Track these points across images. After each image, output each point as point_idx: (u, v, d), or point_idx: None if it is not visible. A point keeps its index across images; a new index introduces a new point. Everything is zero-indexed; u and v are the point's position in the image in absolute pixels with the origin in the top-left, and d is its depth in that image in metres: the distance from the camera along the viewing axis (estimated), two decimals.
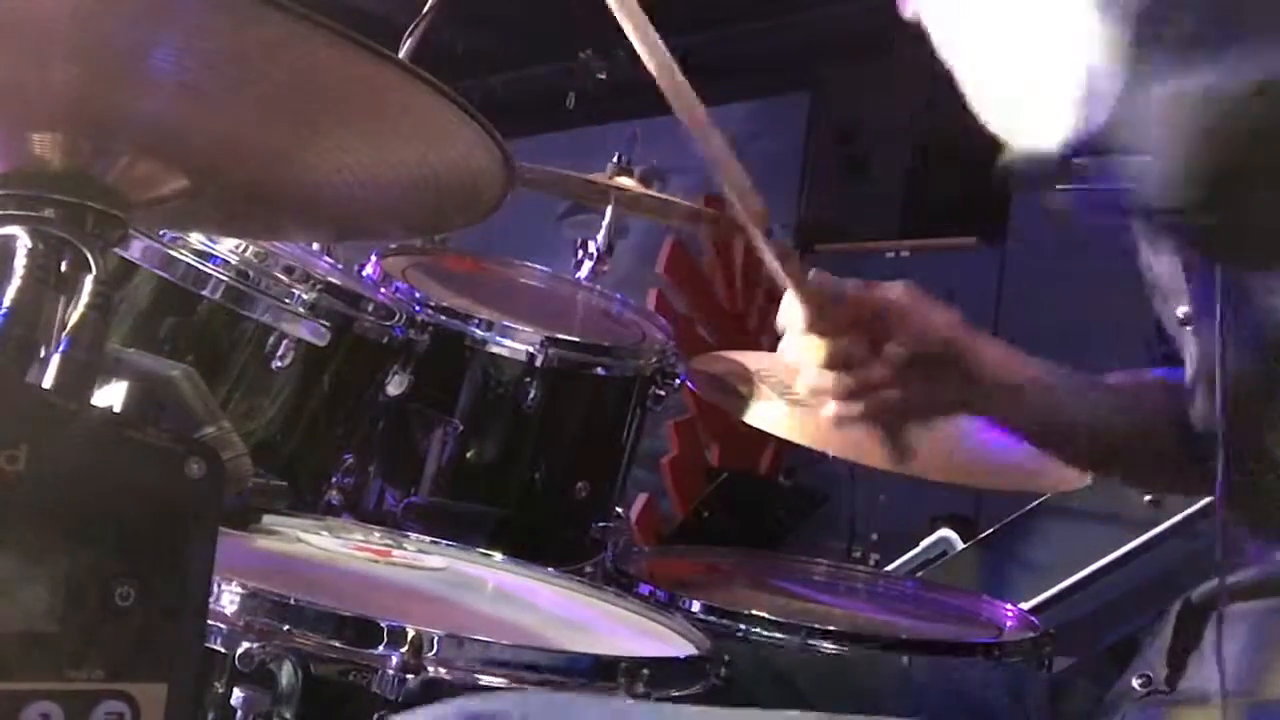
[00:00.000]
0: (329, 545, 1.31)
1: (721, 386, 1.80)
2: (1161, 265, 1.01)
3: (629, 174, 2.27)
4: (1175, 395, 1.09)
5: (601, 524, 1.90)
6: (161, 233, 1.46)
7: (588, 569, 1.73)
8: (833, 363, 1.12)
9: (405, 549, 1.36)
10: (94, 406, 0.72)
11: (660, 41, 0.97)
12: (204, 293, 1.50)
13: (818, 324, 1.11)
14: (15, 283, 0.74)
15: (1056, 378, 1.18)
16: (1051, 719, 1.03)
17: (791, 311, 1.13)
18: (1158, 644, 0.92)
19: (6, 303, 0.73)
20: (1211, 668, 0.86)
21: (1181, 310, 0.97)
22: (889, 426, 1.15)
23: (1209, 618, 0.89)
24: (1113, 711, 0.92)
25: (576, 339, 1.83)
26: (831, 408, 1.14)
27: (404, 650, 0.93)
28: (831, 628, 1.43)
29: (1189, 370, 1.01)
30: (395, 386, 1.67)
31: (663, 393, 1.92)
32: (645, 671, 0.99)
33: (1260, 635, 0.86)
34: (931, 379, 1.13)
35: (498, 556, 1.40)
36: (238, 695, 0.90)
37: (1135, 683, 0.91)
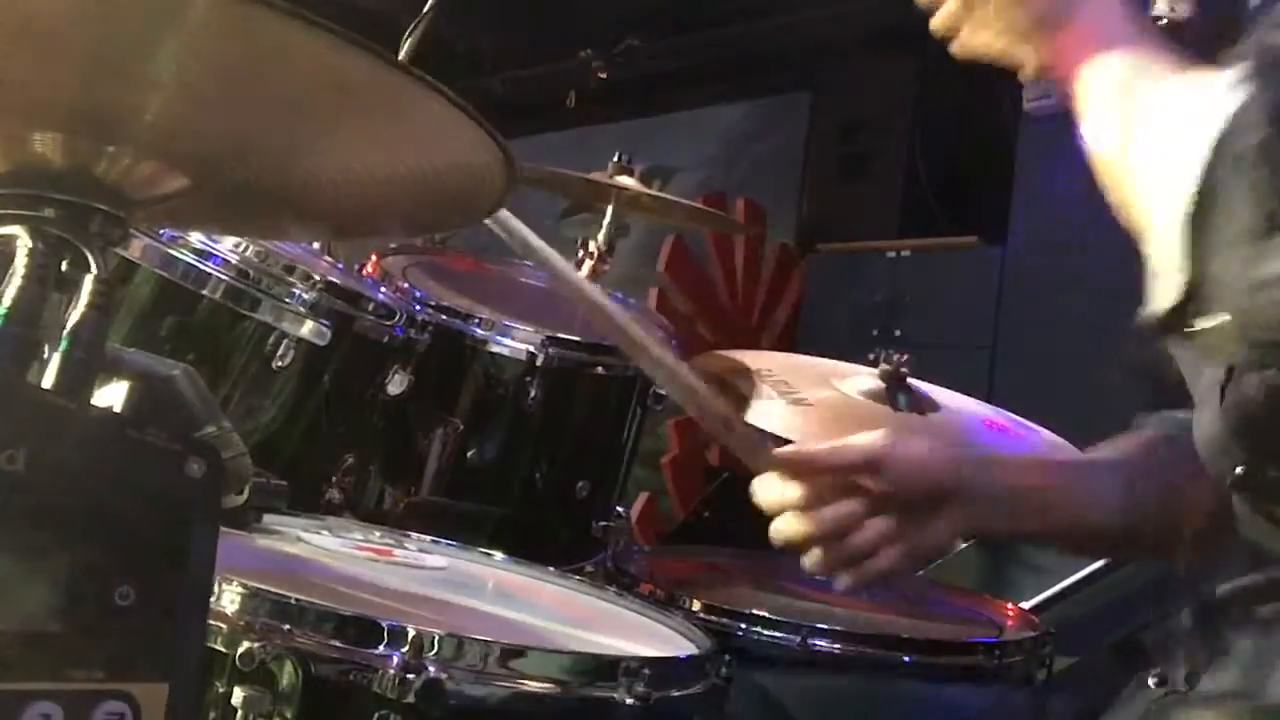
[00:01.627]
0: (329, 545, 1.31)
1: (721, 386, 1.80)
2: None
3: (629, 174, 2.27)
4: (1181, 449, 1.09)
5: (602, 523, 1.90)
6: (162, 232, 1.46)
7: (588, 568, 1.73)
8: (826, 533, 1.10)
9: (405, 549, 1.36)
10: (94, 406, 0.72)
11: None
12: (204, 292, 1.50)
13: (808, 499, 1.09)
14: (15, 282, 0.74)
15: (1075, 476, 1.16)
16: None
17: (773, 491, 1.10)
18: (1175, 645, 0.92)
19: (6, 303, 0.73)
20: (1231, 669, 0.86)
21: None
22: (902, 573, 1.13)
23: (1227, 619, 0.88)
24: (1127, 711, 0.92)
25: (577, 338, 1.83)
26: (843, 578, 1.12)
27: (404, 650, 0.93)
28: (832, 627, 1.42)
29: (1205, 382, 0.99)
30: (395, 386, 1.67)
31: (663, 393, 1.92)
32: (645, 671, 0.99)
33: (1275, 637, 0.86)
34: (933, 517, 1.10)
35: (498, 556, 1.40)
36: (238, 695, 0.90)
37: (1151, 682, 0.91)
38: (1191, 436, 1.11)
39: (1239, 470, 0.91)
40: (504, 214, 0.99)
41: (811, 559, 1.11)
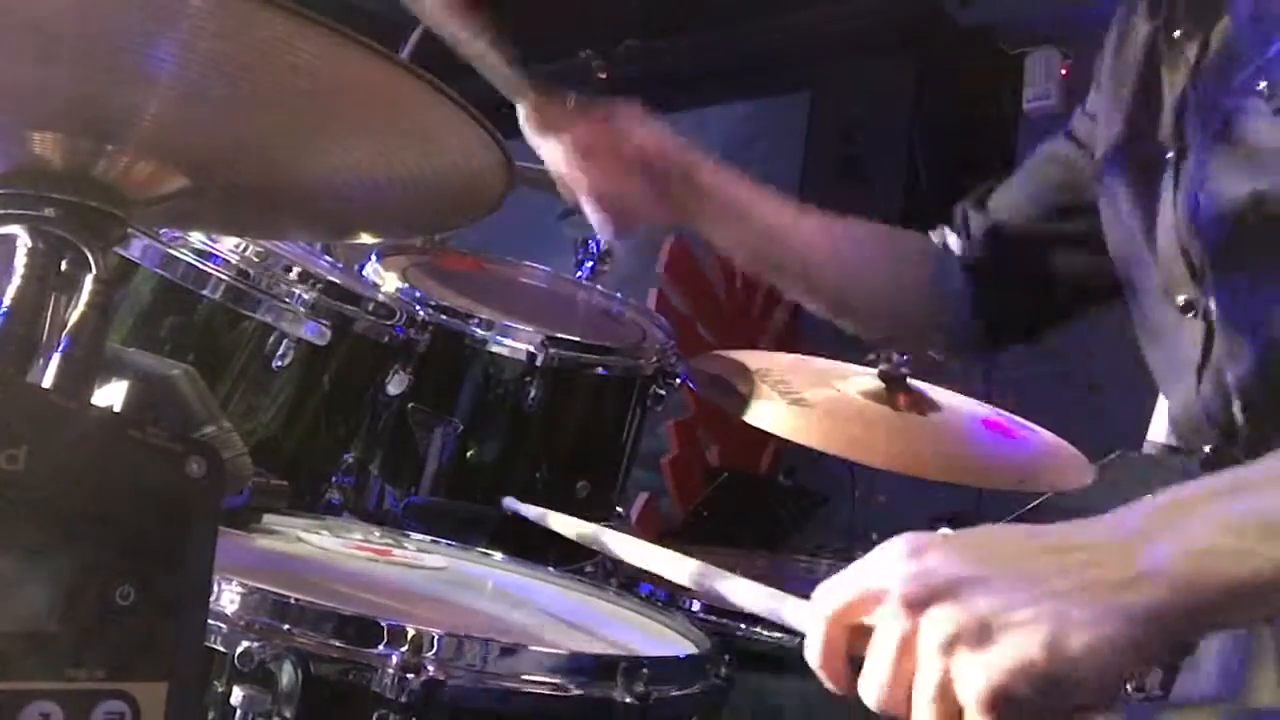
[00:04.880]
0: (329, 545, 1.31)
1: (721, 386, 1.80)
2: (1160, 253, 1.00)
3: None
4: (935, 261, 1.29)
5: (602, 523, 1.90)
6: (162, 232, 1.46)
7: (588, 568, 1.73)
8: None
9: (405, 548, 1.36)
10: (94, 406, 0.72)
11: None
12: (204, 292, 1.50)
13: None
14: (15, 282, 0.74)
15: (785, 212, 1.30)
16: None
17: None
18: None
19: (6, 302, 0.74)
20: (1204, 674, 0.86)
21: (1182, 298, 0.97)
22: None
23: None
24: (1104, 717, 0.92)
25: (577, 338, 1.83)
26: None
27: (404, 650, 0.93)
28: None
29: (1178, 355, 0.99)
30: (395, 386, 1.67)
31: (663, 392, 1.92)
32: (645, 671, 0.99)
33: (1251, 643, 0.86)
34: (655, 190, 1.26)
35: (498, 556, 1.40)
36: (238, 695, 0.90)
37: (1128, 687, 0.91)
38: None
39: (1208, 449, 0.92)
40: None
41: None
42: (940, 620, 0.64)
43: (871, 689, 0.67)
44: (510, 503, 1.29)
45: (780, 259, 1.34)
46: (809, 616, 0.73)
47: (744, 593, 0.86)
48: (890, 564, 0.68)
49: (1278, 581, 0.63)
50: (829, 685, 0.70)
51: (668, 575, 0.98)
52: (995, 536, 0.69)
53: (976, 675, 0.62)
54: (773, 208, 1.32)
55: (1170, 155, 0.96)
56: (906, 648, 0.65)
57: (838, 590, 0.71)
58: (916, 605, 0.65)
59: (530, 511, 1.27)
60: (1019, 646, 0.62)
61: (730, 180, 1.30)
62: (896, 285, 1.30)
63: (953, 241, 1.34)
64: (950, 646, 0.63)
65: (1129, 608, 0.62)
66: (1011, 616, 0.63)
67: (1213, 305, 0.93)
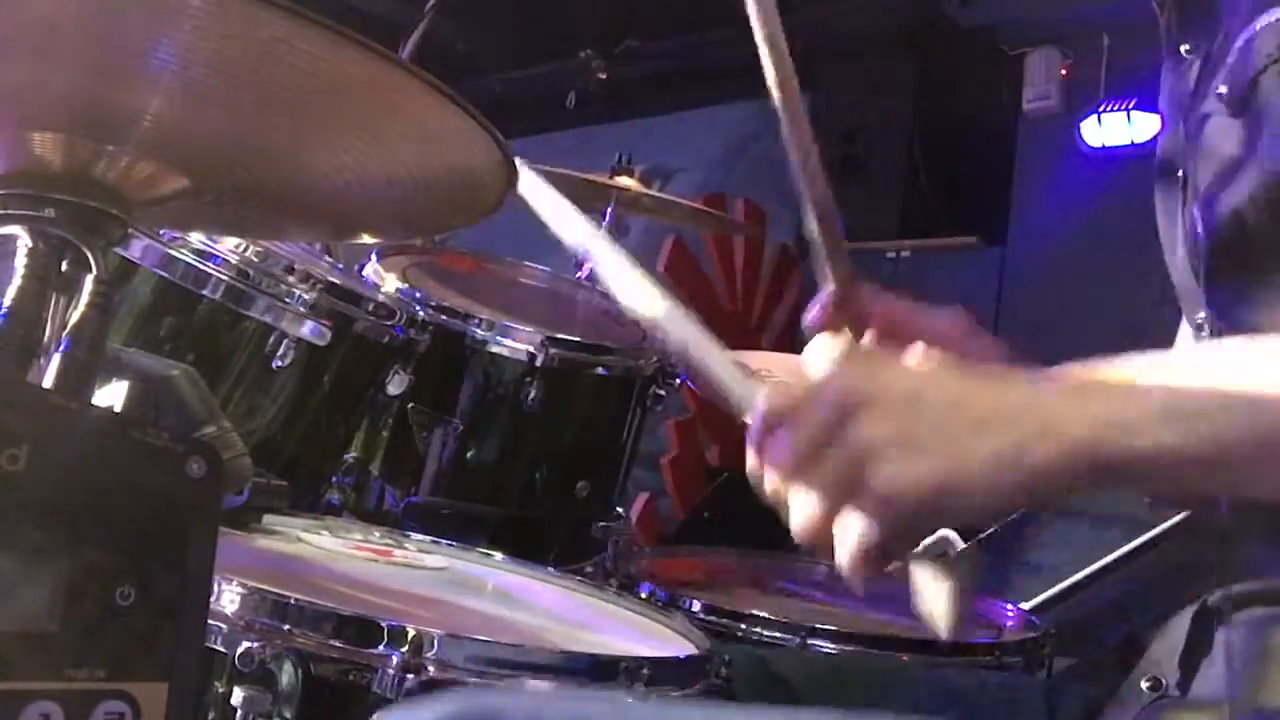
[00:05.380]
0: (329, 545, 1.31)
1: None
2: (1177, 273, 1.00)
3: (629, 174, 2.27)
4: None
5: (602, 524, 1.90)
6: (162, 232, 1.46)
7: (588, 569, 1.73)
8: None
9: (405, 549, 1.36)
10: (94, 406, 0.72)
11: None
12: (204, 292, 1.50)
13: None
14: (15, 283, 0.74)
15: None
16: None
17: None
18: (1169, 647, 0.91)
19: (6, 303, 0.73)
20: (1222, 673, 0.85)
21: (1199, 316, 0.97)
22: None
23: (1222, 623, 0.88)
24: (1118, 713, 0.92)
25: (577, 339, 1.83)
26: None
27: (404, 650, 0.93)
28: (831, 628, 1.43)
29: None
30: (395, 386, 1.67)
31: (663, 393, 1.92)
32: (645, 671, 0.99)
33: (1269, 642, 0.86)
34: None
35: (498, 556, 1.40)
36: (238, 695, 0.90)
37: (1144, 685, 0.91)
38: None
39: None
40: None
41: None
42: (873, 420, 0.72)
43: (779, 457, 0.75)
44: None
45: None
46: (754, 396, 0.79)
47: (707, 351, 0.88)
48: (845, 366, 0.80)
49: (1166, 462, 0.70)
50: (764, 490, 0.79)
51: (636, 306, 0.97)
52: (941, 375, 0.77)
53: (881, 476, 0.70)
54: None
55: (1182, 173, 0.96)
56: (830, 432, 0.72)
57: (790, 384, 0.78)
58: (856, 401, 0.72)
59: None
60: (929, 465, 0.70)
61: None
62: None
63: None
64: (870, 447, 0.71)
65: (1028, 459, 0.70)
66: (929, 438, 0.71)
67: (1214, 323, 0.93)
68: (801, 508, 0.74)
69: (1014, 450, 0.70)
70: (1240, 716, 0.84)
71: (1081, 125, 4.18)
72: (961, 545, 0.76)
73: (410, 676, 0.91)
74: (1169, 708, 0.89)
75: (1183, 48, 0.96)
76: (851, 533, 0.72)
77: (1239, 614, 0.87)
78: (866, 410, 0.72)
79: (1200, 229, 0.91)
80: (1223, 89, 0.87)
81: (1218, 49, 0.92)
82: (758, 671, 1.10)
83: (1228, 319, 0.91)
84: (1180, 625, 0.91)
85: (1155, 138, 1.08)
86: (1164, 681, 0.90)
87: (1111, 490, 0.84)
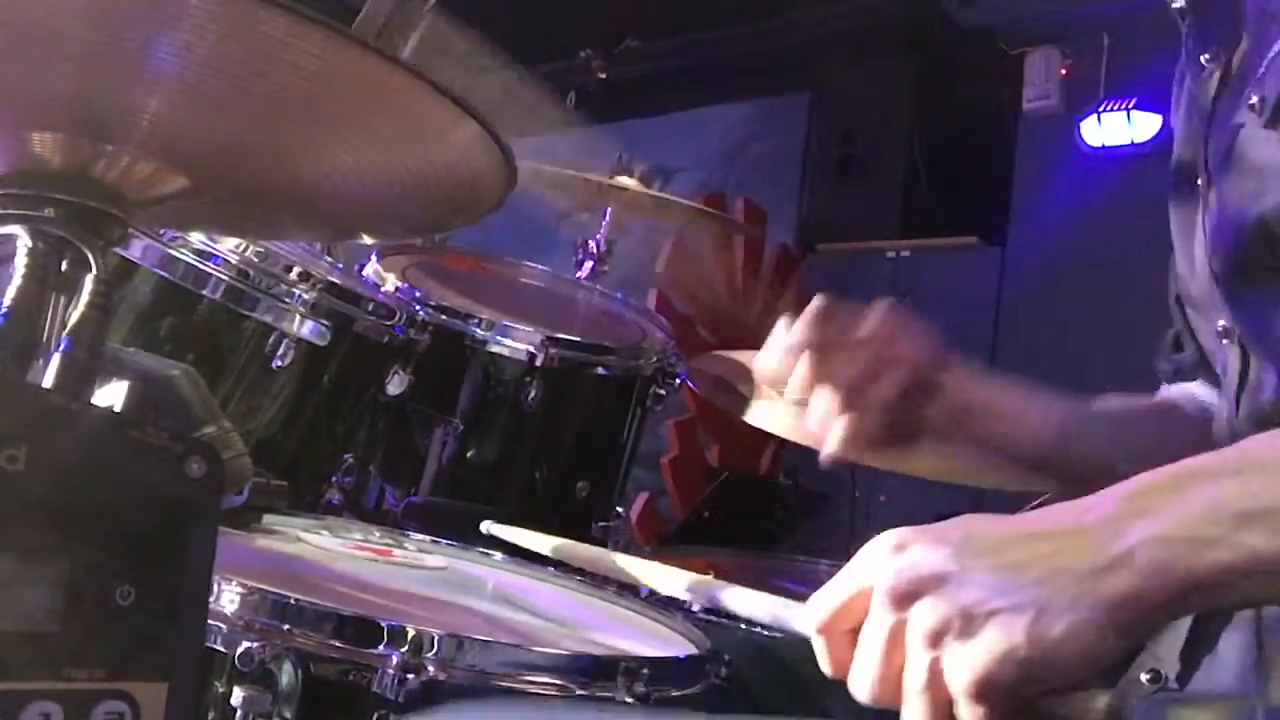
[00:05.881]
0: (329, 545, 1.31)
1: (721, 386, 1.80)
2: (1198, 282, 1.00)
3: (629, 174, 2.27)
4: (1190, 424, 1.10)
5: (602, 523, 1.90)
6: (162, 232, 1.46)
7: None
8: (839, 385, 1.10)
9: (405, 549, 1.36)
10: (94, 406, 0.72)
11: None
12: (204, 292, 1.50)
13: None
14: (15, 283, 0.74)
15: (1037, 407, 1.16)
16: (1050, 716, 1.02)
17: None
18: (1171, 640, 0.92)
19: (6, 303, 0.73)
20: (1223, 669, 0.86)
21: (1221, 323, 0.97)
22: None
23: (1224, 618, 0.88)
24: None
25: (577, 338, 1.84)
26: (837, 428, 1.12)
27: (404, 650, 0.93)
28: None
29: (1226, 381, 0.99)
30: (395, 386, 1.67)
31: (663, 393, 1.92)
32: (645, 671, 0.98)
33: (1271, 638, 0.86)
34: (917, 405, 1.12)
35: (498, 556, 1.40)
36: (238, 695, 0.90)
37: (1144, 677, 0.90)
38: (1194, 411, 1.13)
39: None
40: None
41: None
42: (925, 614, 0.65)
43: (863, 684, 0.68)
44: (488, 526, 1.27)
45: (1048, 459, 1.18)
46: (808, 624, 0.73)
47: (744, 601, 0.86)
48: (875, 561, 0.69)
49: (1249, 569, 0.64)
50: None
51: (664, 591, 0.98)
52: (975, 527, 0.70)
53: (962, 665, 0.64)
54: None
55: (1200, 181, 0.96)
56: (894, 642, 0.67)
57: (829, 595, 0.72)
58: (901, 600, 0.67)
59: (508, 533, 1.25)
60: (1001, 635, 0.63)
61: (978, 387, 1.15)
62: None
63: (1202, 393, 1.17)
64: (936, 639, 0.65)
65: (1104, 592, 0.63)
66: (992, 606, 0.64)
67: (1240, 332, 0.93)
68: (913, 718, 0.67)
69: (1084, 592, 0.64)
70: (1246, 713, 0.84)
71: (1081, 125, 4.18)
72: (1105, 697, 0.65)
73: (410, 676, 0.91)
74: (1168, 701, 0.89)
75: (1202, 57, 0.96)
76: None
77: (1243, 612, 0.87)
78: (915, 600, 0.66)
79: (1230, 237, 0.90)
80: (1255, 100, 0.86)
81: (1242, 59, 0.91)
82: (762, 664, 1.10)
83: (1257, 329, 0.91)
84: (1183, 621, 0.91)
85: (1155, 139, 1.09)
86: (1164, 674, 0.90)
87: (1220, 609, 0.79)
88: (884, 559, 0.69)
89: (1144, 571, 0.64)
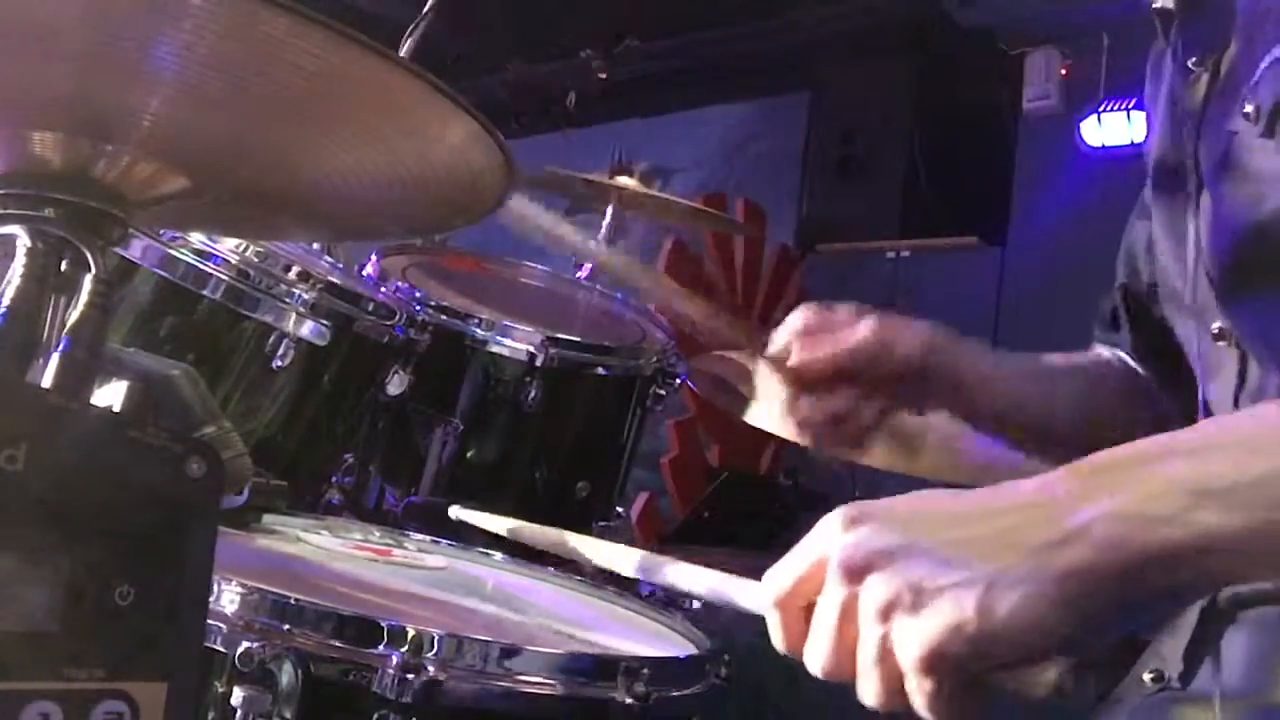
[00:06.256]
0: (329, 545, 1.31)
1: (721, 386, 1.80)
2: (1189, 285, 1.00)
3: (629, 174, 2.27)
4: (1133, 381, 1.17)
5: (602, 523, 1.90)
6: (162, 232, 1.46)
7: (588, 568, 1.73)
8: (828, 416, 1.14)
9: (405, 549, 1.36)
10: (94, 406, 0.72)
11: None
12: (204, 292, 1.50)
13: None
14: (15, 283, 0.74)
15: (1006, 368, 1.19)
16: (1052, 713, 1.02)
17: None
18: (1175, 640, 0.92)
19: (6, 303, 0.73)
20: (1226, 668, 0.86)
21: (1216, 325, 0.97)
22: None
23: (1227, 619, 0.88)
24: (1119, 703, 0.92)
25: (577, 339, 1.83)
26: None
27: (404, 650, 0.93)
28: None
29: (1221, 382, 0.99)
30: (395, 386, 1.67)
31: (663, 392, 1.92)
32: (645, 671, 0.99)
33: (1272, 639, 0.86)
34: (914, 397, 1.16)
35: (498, 556, 1.40)
36: (238, 695, 0.90)
37: (1146, 676, 0.91)
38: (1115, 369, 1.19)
39: None
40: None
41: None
42: (876, 587, 0.66)
43: (816, 657, 0.70)
44: (456, 511, 1.27)
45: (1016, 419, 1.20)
46: (762, 600, 0.75)
47: (693, 577, 0.87)
48: (828, 536, 0.70)
49: (1204, 546, 0.64)
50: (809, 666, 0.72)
51: (614, 568, 0.99)
52: (929, 502, 0.71)
53: (911, 639, 0.65)
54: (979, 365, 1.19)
55: (1191, 186, 0.96)
56: (847, 615, 0.68)
57: (784, 570, 0.73)
58: (854, 574, 0.67)
59: (471, 516, 1.25)
60: (950, 609, 0.64)
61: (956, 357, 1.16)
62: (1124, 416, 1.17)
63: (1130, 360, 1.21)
64: (887, 612, 0.66)
65: (1055, 567, 0.64)
66: (943, 580, 0.65)
67: (1235, 334, 0.93)
68: (867, 690, 0.68)
69: (1037, 566, 0.64)
70: (1249, 713, 0.84)
71: (1081, 125, 4.18)
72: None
73: (410, 676, 0.91)
74: (1171, 701, 0.89)
75: (1189, 61, 0.96)
76: (922, 693, 0.66)
77: (1247, 612, 0.87)
78: (866, 575, 0.67)
79: (1228, 241, 0.90)
80: (1249, 109, 0.86)
81: (1231, 64, 0.91)
82: (764, 657, 1.10)
83: (1254, 332, 0.90)
84: (1187, 621, 0.91)
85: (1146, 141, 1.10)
86: (1167, 674, 0.90)
87: (1185, 595, 0.79)
88: (838, 534, 0.70)
89: (1098, 546, 0.64)
